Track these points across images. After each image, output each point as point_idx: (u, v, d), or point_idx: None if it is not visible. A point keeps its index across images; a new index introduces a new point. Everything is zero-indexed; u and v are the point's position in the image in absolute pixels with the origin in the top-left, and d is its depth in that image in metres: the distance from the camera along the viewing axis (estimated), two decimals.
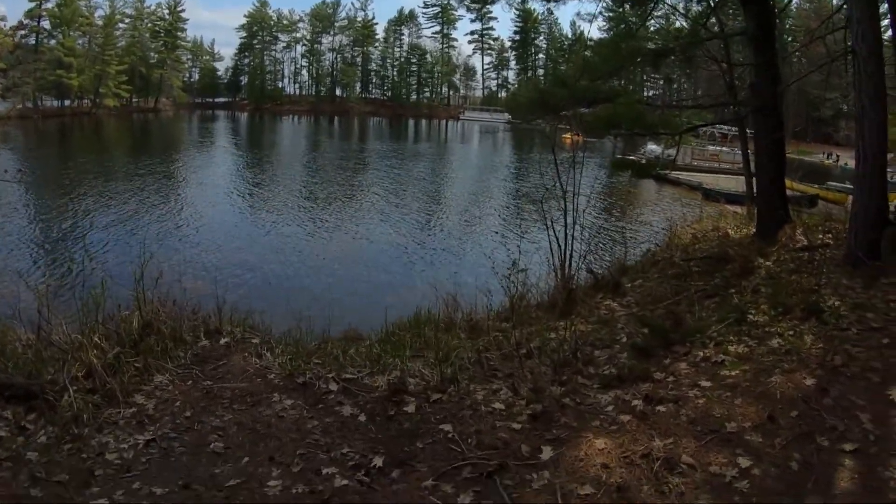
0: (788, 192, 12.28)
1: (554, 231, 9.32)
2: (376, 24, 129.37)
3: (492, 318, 8.19)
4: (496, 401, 5.33)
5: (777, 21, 13.96)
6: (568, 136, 12.10)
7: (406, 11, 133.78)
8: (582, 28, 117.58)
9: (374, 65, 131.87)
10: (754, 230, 11.02)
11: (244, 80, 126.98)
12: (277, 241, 24.81)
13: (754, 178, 12.36)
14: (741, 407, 4.89)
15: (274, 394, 5.57)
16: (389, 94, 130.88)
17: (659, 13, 18.14)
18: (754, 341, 6.16)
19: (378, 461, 4.50)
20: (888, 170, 8.49)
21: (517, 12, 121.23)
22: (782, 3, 17.09)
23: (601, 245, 20.75)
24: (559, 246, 9.30)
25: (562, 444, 4.61)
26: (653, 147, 37.84)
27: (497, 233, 26.18)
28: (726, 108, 18.06)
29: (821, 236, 9.56)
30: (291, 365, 6.04)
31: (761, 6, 10.85)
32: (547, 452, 4.50)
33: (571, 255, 9.29)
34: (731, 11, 18.87)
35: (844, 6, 10.48)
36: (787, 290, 7.40)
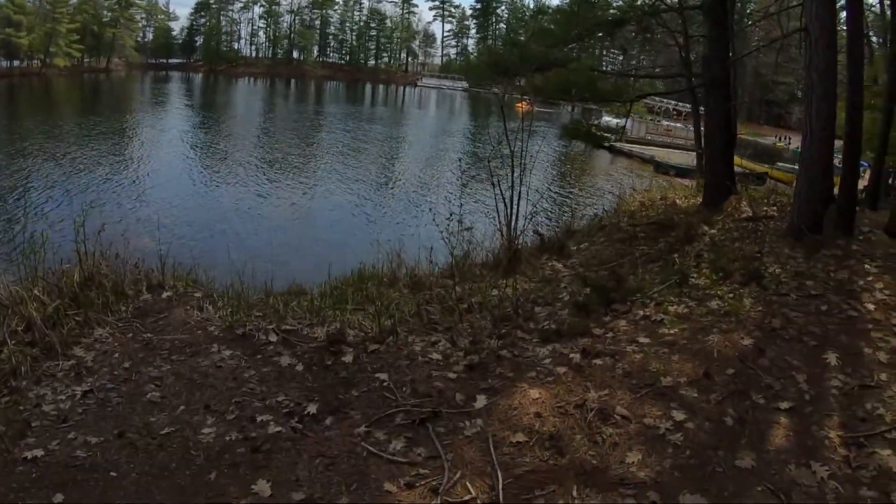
0: (738, 170, 12.43)
1: (501, 190, 9.33)
2: None
3: (435, 275, 8.21)
4: (434, 352, 5.38)
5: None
6: (520, 104, 12.10)
7: None
8: None
9: (332, 28, 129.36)
10: (701, 200, 11.13)
11: (199, 40, 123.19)
12: (228, 201, 24.73)
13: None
14: (678, 363, 4.97)
15: (213, 345, 5.55)
16: (347, 58, 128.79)
17: None
18: (694, 302, 6.26)
19: (312, 408, 4.53)
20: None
21: None
22: None
23: (550, 208, 20.99)
24: (505, 206, 9.32)
25: (496, 394, 4.66)
26: (608, 119, 38.16)
27: (446, 194, 26.25)
28: (681, 82, 18.22)
29: (766, 208, 9.70)
30: (232, 317, 6.02)
31: None
32: (481, 401, 4.55)
33: (517, 216, 9.31)
34: None
35: None
36: (729, 255, 7.54)
